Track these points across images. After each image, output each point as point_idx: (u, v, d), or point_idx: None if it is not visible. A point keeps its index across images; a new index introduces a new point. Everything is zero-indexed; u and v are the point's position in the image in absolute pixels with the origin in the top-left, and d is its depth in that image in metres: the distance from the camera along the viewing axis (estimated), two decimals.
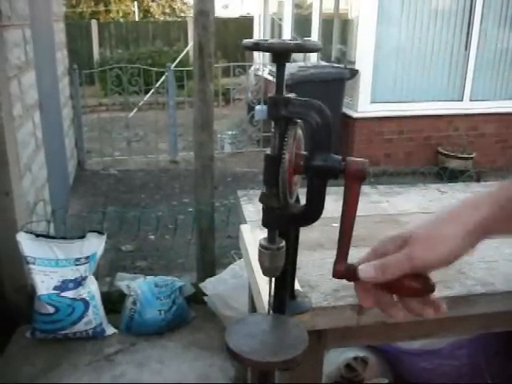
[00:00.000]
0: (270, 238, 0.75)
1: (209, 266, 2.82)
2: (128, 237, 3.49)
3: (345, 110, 5.86)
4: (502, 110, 6.07)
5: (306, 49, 0.68)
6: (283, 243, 0.76)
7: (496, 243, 1.24)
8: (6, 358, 2.27)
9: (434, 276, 0.77)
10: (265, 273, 0.77)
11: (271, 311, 0.80)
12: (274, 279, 0.79)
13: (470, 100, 6.09)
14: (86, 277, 2.37)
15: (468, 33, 5.91)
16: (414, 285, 0.70)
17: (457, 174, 4.56)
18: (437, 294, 0.98)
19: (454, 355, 1.82)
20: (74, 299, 2.31)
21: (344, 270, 0.74)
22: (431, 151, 5.99)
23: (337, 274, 0.75)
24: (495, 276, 1.07)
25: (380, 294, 0.72)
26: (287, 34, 8.02)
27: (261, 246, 0.76)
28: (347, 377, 1.90)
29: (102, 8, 18.28)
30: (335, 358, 1.89)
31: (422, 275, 0.71)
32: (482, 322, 1.11)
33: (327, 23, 7.06)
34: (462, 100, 6.08)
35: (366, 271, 0.69)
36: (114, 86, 6.62)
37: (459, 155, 5.73)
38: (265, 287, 0.82)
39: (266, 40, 0.68)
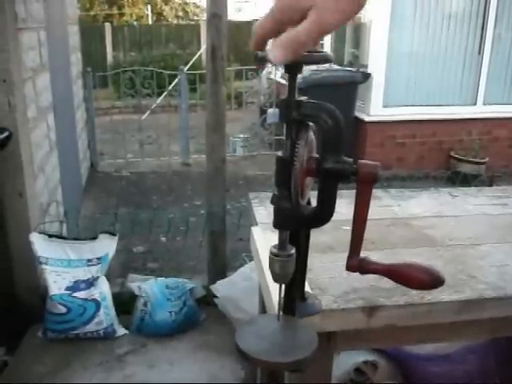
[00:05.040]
0: (281, 245, 0.76)
1: (220, 268, 2.82)
2: (140, 238, 3.52)
3: (357, 113, 5.85)
4: None
5: (318, 61, 0.70)
6: (293, 250, 0.77)
7: (507, 248, 1.24)
8: (18, 358, 2.29)
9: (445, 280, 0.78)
10: (275, 279, 0.78)
11: (281, 313, 0.80)
12: None
13: (484, 104, 6.05)
14: (98, 277, 2.39)
15: (481, 36, 5.88)
16: (423, 277, 0.72)
17: (469, 179, 4.52)
18: (447, 298, 0.99)
19: (464, 360, 1.81)
20: (85, 299, 2.33)
21: (357, 264, 0.77)
22: (444, 155, 5.96)
23: (350, 268, 0.79)
24: (506, 280, 1.07)
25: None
26: None
27: (271, 253, 0.76)
28: (357, 381, 1.90)
29: (115, 11, 18.43)
30: (345, 362, 1.89)
31: (430, 268, 0.72)
32: (492, 326, 1.11)
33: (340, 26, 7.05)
34: (475, 104, 6.05)
35: (275, 55, 0.61)
36: (127, 88, 6.67)
37: (472, 159, 5.69)
38: (275, 289, 0.82)
39: None
